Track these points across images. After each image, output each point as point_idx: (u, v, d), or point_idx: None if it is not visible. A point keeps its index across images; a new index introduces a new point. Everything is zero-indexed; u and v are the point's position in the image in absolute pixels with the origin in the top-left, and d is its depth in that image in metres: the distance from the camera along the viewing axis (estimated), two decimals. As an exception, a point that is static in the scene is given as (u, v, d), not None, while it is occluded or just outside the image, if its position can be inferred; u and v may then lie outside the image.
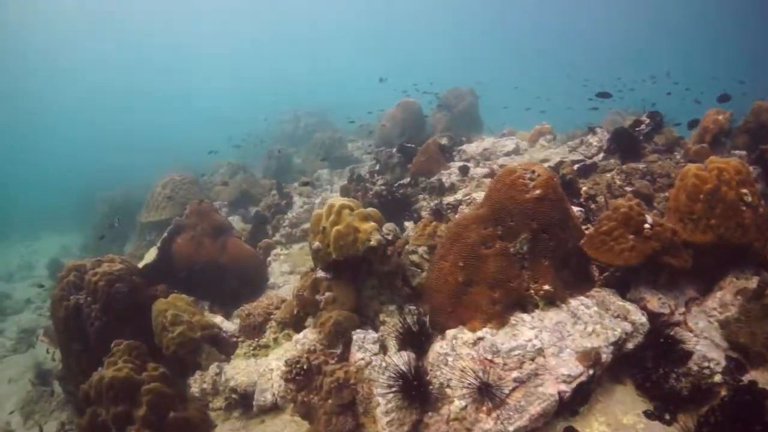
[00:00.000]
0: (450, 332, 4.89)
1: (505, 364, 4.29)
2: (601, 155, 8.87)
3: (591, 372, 4.22)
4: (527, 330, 4.61)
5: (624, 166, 7.69)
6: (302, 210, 11.05)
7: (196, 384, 5.96)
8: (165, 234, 8.18)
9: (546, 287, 4.98)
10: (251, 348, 6.50)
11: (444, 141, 10.81)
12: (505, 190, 5.24)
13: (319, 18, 66.50)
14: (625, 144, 8.32)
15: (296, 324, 6.28)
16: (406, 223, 8.92)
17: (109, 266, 6.68)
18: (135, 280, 6.89)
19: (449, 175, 9.54)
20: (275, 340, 6.50)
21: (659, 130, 8.24)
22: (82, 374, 6.54)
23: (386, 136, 13.12)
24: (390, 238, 5.78)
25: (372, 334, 5.29)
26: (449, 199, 8.43)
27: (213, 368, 6.03)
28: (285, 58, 65.71)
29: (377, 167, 11.47)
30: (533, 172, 5.21)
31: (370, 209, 5.80)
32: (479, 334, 4.67)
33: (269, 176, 14.50)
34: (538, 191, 5.08)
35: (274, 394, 5.40)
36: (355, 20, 67.34)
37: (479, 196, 7.97)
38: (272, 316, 6.76)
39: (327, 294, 5.56)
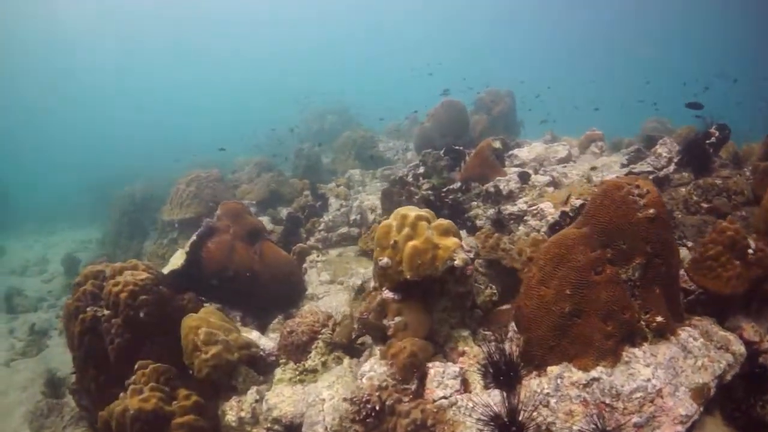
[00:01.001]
0: (553, 370, 4.07)
1: (625, 408, 3.70)
2: (672, 168, 7.88)
3: (701, 409, 3.82)
4: (642, 367, 3.92)
5: (700, 181, 6.78)
6: (339, 213, 10.02)
7: (233, 411, 5.08)
8: (194, 237, 7.15)
9: (659, 318, 4.17)
10: (296, 372, 5.54)
11: (497, 144, 9.71)
12: (614, 208, 4.35)
13: (343, 16, 65.08)
14: (698, 157, 7.42)
15: (352, 348, 5.25)
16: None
17: (132, 275, 5.67)
18: (161, 290, 5.86)
19: (507, 181, 8.45)
20: (324, 363, 5.53)
21: (725, 144, 7.40)
22: (98, 392, 5.63)
23: (427, 136, 12.06)
24: (472, 255, 4.70)
25: (452, 368, 4.35)
26: (513, 209, 7.39)
27: (252, 394, 5.17)
28: (307, 55, 64.50)
29: (421, 169, 10.39)
30: (639, 187, 4.33)
31: (446, 222, 4.74)
32: (593, 374, 3.89)
33: (298, 175, 13.46)
34: (651, 210, 4.21)
35: (326, 429, 4.45)
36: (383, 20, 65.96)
37: (547, 207, 6.99)
38: (319, 336, 5.72)
39: (397, 319, 4.52)
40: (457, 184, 9.47)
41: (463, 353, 4.71)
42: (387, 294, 4.65)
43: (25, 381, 9.44)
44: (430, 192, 9.08)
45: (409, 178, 10.20)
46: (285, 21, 64.88)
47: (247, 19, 63.27)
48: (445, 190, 9.31)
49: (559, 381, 3.93)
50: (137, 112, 50.21)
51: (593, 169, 8.81)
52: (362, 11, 64.57)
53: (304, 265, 8.63)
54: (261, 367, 5.79)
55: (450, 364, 4.43)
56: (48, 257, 17.98)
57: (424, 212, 4.63)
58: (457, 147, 10.22)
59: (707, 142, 7.46)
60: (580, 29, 57.04)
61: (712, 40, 48.90)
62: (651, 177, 7.60)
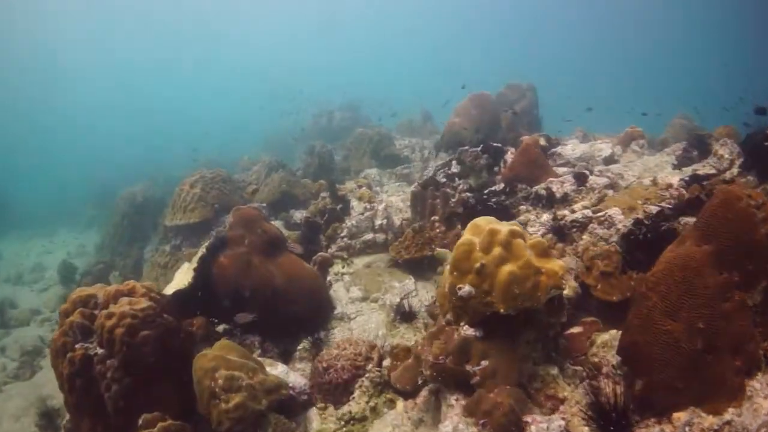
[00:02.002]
0: (680, 417, 3.31)
1: (758, 451, 2.97)
2: (735, 170, 6.83)
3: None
4: (763, 400, 3.32)
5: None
6: (363, 217, 8.80)
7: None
8: (203, 251, 5.98)
9: (777, 346, 3.37)
10: (341, 422, 4.37)
11: (542, 142, 8.59)
12: (737, 223, 3.55)
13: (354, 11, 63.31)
14: (763, 160, 6.39)
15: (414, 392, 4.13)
16: None
17: (129, 303, 4.51)
18: (166, 321, 4.68)
19: (561, 183, 7.32)
20: (373, 409, 4.45)
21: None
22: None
23: (456, 133, 10.86)
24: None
25: (555, 422, 3.35)
26: (575, 215, 6.24)
27: (285, 451, 4.00)
28: (313, 52, 62.91)
29: (452, 168, 9.21)
30: (751, 197, 3.62)
31: (543, 239, 3.61)
32: (725, 417, 3.21)
33: (310, 175, 12.25)
34: (773, 225, 3.37)
35: None
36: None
37: (615, 213, 5.91)
38: (364, 373, 4.59)
39: (484, 363, 3.35)
40: (500, 186, 8.36)
41: (554, 397, 3.65)
42: (468, 331, 3.52)
43: (18, 409, 8.32)
44: (468, 194, 7.91)
45: (441, 178, 9.04)
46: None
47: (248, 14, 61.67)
48: (486, 192, 8.18)
49: (687, 429, 3.27)
50: (140, 112, 48.67)
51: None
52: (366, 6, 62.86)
53: (329, 278, 7.45)
54: (292, 409, 4.69)
55: (554, 417, 3.39)
56: (44, 263, 16.73)
57: (516, 226, 3.45)
58: (495, 144, 9.04)
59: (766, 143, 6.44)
60: (582, 22, 55.66)
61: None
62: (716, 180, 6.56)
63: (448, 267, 3.73)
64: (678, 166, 7.71)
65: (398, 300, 6.31)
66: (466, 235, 3.59)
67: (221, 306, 5.99)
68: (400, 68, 56.21)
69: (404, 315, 6.09)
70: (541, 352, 3.85)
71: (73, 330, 4.46)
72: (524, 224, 6.90)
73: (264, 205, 10.55)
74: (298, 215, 10.16)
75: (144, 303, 4.59)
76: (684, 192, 5.99)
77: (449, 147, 11.61)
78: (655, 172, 7.63)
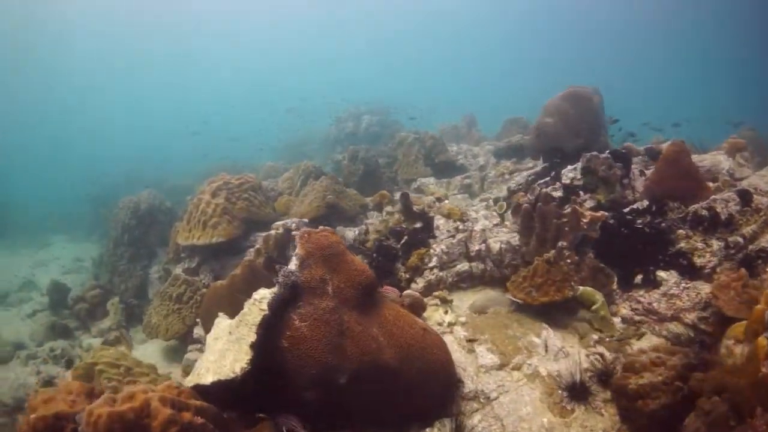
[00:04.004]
0: None
1: None
2: None
3: None
4: None
5: None
6: (455, 241, 6.24)
7: None
8: (266, 312, 3.35)
9: None
10: None
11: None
12: None
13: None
14: None
15: None
16: (662, 274, 5.20)
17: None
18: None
19: (726, 202, 5.04)
20: None
21: None
22: None
23: (551, 136, 8.37)
24: None
25: None
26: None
27: None
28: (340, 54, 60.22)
29: (565, 179, 6.77)
30: None
31: None
32: None
33: (353, 185, 9.65)
34: None
35: None
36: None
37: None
38: None
39: None
40: (643, 203, 5.93)
41: None
42: None
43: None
44: (607, 214, 5.62)
45: (558, 192, 6.61)
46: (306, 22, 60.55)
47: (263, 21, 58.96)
48: (628, 210, 5.77)
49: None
50: (146, 115, 45.87)
51: None
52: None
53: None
54: None
55: None
56: (35, 279, 13.91)
57: None
58: (622, 150, 6.67)
59: None
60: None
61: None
62: None
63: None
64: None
65: (557, 368, 4.14)
66: None
67: (299, 400, 3.38)
68: (416, 73, 53.60)
69: (574, 391, 3.95)
70: None
71: None
72: (691, 254, 5.23)
73: (305, 221, 7.94)
74: (350, 234, 7.57)
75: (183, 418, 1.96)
76: None
77: (540, 152, 9.10)
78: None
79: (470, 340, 4.68)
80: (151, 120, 44.69)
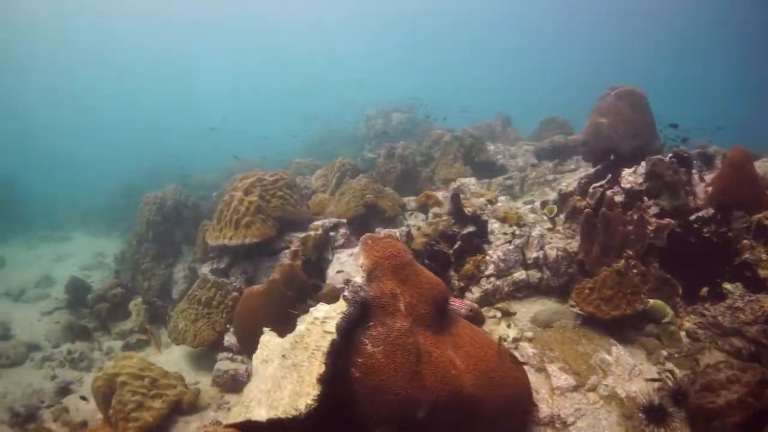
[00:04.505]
0: None
1: None
2: None
3: None
4: None
5: None
6: (511, 248, 5.58)
7: None
8: (335, 338, 2.63)
9: None
10: None
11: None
12: None
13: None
14: None
15: None
16: (728, 286, 4.96)
17: None
18: None
19: None
20: None
21: None
22: None
23: (605, 137, 7.67)
24: None
25: None
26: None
27: None
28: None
29: (624, 183, 6.10)
30: None
31: None
32: None
33: (389, 183, 9.01)
34: None
35: None
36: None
37: None
38: None
39: None
40: (708, 211, 5.30)
41: None
42: None
43: None
44: (669, 221, 5.45)
45: (618, 197, 5.99)
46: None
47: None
48: (694, 218, 5.14)
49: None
50: (177, 110, 45.72)
51: None
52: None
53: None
54: None
55: None
56: (53, 275, 13.48)
57: None
58: (685, 154, 6.01)
59: None
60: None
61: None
62: None
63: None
64: None
65: (632, 387, 3.98)
66: None
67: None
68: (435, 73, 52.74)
69: (652, 413, 3.67)
70: None
71: None
72: (755, 266, 4.87)
73: (343, 221, 7.31)
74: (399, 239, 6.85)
75: None
76: None
77: (594, 154, 8.42)
78: None
79: (519, 340, 4.12)
80: (170, 116, 44.52)
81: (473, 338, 3.50)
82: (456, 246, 5.80)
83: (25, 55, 47.32)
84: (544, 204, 8.33)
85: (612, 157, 8.27)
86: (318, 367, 2.63)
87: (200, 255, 8.69)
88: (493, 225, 6.16)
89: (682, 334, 4.78)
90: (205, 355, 6.82)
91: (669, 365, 4.34)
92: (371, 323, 2.98)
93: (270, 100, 46.54)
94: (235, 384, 5.86)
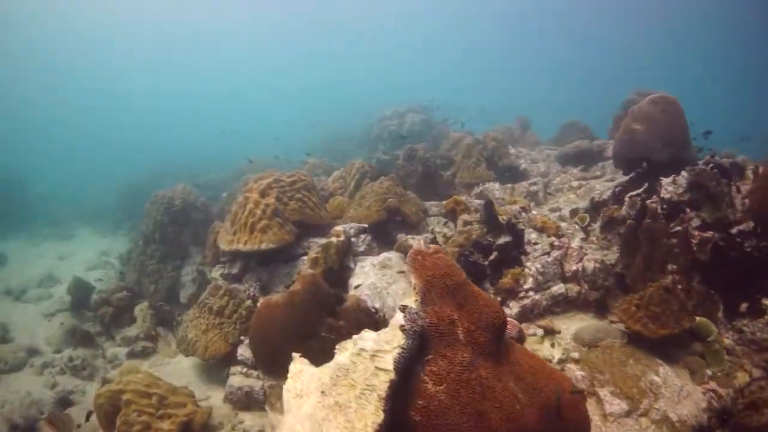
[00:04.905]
0: None
1: None
2: None
3: None
4: None
5: None
6: (550, 260, 5.14)
7: None
8: (393, 378, 2.13)
9: None
10: None
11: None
12: None
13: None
14: None
15: None
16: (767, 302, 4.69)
17: None
18: None
19: None
20: None
21: None
22: None
23: (640, 144, 7.23)
24: None
25: None
26: None
27: None
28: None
29: (665, 193, 5.67)
30: None
31: None
32: None
33: (410, 187, 8.54)
34: None
35: None
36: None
37: None
38: None
39: None
40: (748, 224, 4.91)
41: None
42: None
43: None
44: (714, 235, 5.06)
45: (664, 207, 5.56)
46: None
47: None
48: (736, 232, 4.92)
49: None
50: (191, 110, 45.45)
51: None
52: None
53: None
54: None
55: None
56: (57, 274, 13.04)
57: None
58: (723, 163, 5.59)
59: None
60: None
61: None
62: None
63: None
64: None
65: (682, 410, 3.81)
66: None
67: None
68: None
69: None
70: None
71: None
72: None
73: (364, 226, 6.84)
74: (414, 243, 6.37)
75: None
76: None
77: (625, 162, 7.98)
78: None
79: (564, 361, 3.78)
80: (179, 116, 44.25)
81: (532, 366, 3.03)
82: (492, 257, 5.32)
83: (31, 53, 47.14)
84: (574, 212, 7.85)
85: (644, 165, 7.86)
86: (373, 412, 2.16)
87: (210, 259, 8.23)
88: (530, 235, 5.68)
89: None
90: (216, 365, 6.35)
91: (712, 384, 4.21)
92: (430, 356, 2.51)
93: (278, 101, 46.20)
94: (249, 401, 5.39)
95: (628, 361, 4.28)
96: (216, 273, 7.91)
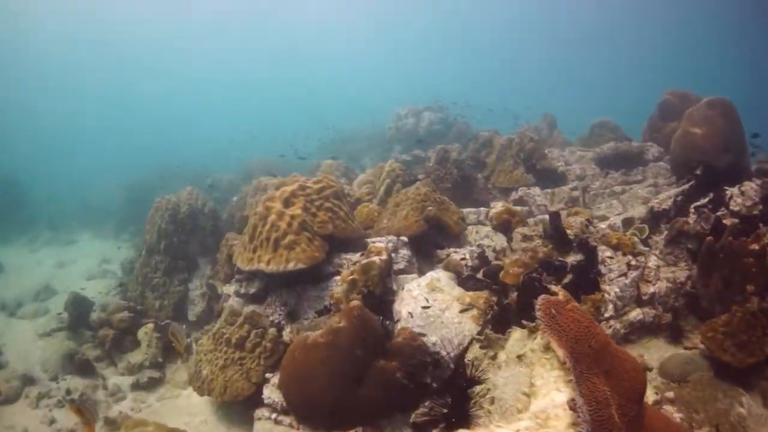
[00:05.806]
0: None
1: None
2: None
3: None
4: None
5: None
6: (627, 282, 4.34)
7: None
8: None
9: None
10: None
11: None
12: None
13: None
14: None
15: None
16: None
17: None
18: None
19: None
20: None
21: None
22: None
23: (699, 149, 6.50)
24: None
25: None
26: None
27: None
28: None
29: (742, 207, 4.87)
30: None
31: None
32: None
33: (444, 193, 7.65)
34: None
35: None
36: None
37: None
38: None
39: None
40: None
41: None
42: None
43: None
44: None
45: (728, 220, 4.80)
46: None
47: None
48: None
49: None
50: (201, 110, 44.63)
51: None
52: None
53: None
54: None
55: None
56: (54, 286, 12.12)
57: None
58: None
59: None
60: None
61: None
62: None
63: None
64: None
65: None
66: None
67: None
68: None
69: None
70: None
71: None
72: None
73: (404, 239, 5.96)
74: (456, 258, 5.59)
75: None
76: None
77: (683, 165, 7.21)
78: None
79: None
80: (182, 116, 43.44)
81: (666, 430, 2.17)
82: (566, 280, 4.45)
83: (33, 55, 46.27)
84: (627, 222, 7.00)
85: (699, 170, 7.16)
86: None
87: (224, 277, 7.34)
88: (604, 253, 4.83)
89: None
90: (238, 402, 5.47)
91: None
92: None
93: (286, 101, 45.41)
94: (280, 454, 4.50)
95: (718, 394, 4.00)
96: (229, 289, 7.04)
